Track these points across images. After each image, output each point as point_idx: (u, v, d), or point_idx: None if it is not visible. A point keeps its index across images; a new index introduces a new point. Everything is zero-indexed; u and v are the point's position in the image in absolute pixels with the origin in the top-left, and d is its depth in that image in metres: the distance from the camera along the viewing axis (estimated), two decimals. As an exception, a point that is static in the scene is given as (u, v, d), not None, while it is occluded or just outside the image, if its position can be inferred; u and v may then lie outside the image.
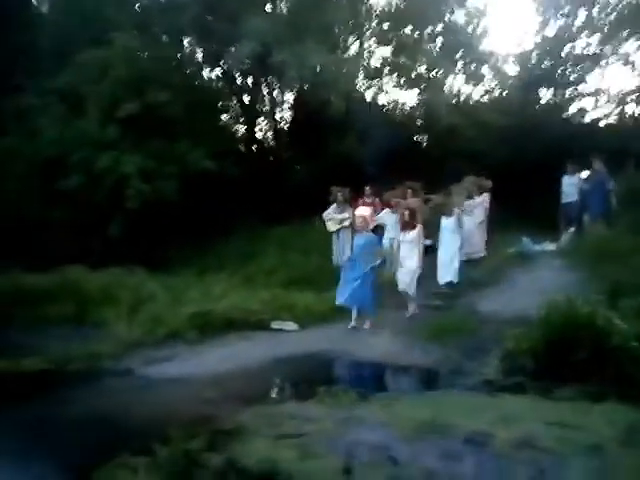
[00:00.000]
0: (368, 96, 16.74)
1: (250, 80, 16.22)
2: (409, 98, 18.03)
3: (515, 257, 10.58)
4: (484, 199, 10.03)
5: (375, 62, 16.45)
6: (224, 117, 16.66)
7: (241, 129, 17.31)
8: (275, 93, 16.57)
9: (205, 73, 16.12)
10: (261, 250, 10.74)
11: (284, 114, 17.12)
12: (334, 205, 10.33)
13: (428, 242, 10.69)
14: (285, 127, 17.25)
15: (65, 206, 11.28)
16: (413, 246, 7.96)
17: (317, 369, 6.09)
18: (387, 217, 10.02)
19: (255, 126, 16.94)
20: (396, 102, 17.52)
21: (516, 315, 7.26)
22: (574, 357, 5.22)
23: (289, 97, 16.61)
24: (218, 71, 15.95)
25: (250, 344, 6.87)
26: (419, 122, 17.14)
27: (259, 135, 17.29)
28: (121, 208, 11.13)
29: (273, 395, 5.23)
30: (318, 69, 11.64)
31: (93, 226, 11.40)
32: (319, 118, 14.82)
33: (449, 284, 8.72)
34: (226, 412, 4.63)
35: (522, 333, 6.09)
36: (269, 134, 17.44)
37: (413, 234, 7.99)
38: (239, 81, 16.36)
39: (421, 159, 15.10)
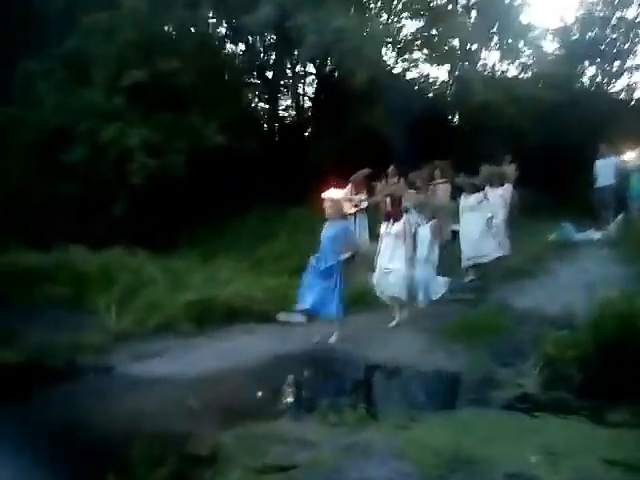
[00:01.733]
0: (397, 70, 15.78)
1: (273, 55, 15.51)
2: (441, 73, 16.98)
3: (555, 245, 9.52)
4: (504, 192, 8.64)
5: (405, 34, 15.52)
6: (244, 92, 15.84)
7: (262, 104, 16.55)
8: (298, 67, 15.80)
9: (228, 49, 15.52)
10: (273, 233, 9.92)
11: (307, 89, 16.32)
12: (350, 185, 9.47)
13: (455, 227, 9.78)
14: (307, 102, 16.44)
15: (69, 181, 10.62)
16: (398, 240, 6.56)
17: (321, 373, 5.25)
18: (411, 199, 9.11)
19: (277, 101, 16.13)
20: (427, 77, 16.47)
21: (558, 313, 6.35)
22: (633, 368, 4.25)
23: (312, 70, 15.71)
24: (241, 46, 15.36)
25: (251, 339, 6.06)
26: (451, 98, 16.04)
27: (280, 111, 16.51)
28: (126, 184, 10.42)
29: (265, 407, 4.38)
30: (340, 34, 10.61)
31: (97, 203, 10.73)
32: (343, 92, 13.88)
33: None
34: (206, 429, 3.85)
35: (566, 336, 5.20)
36: (291, 110, 16.65)
37: (399, 226, 6.61)
38: (262, 55, 15.65)
39: (452, 137, 14.08)
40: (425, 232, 7.10)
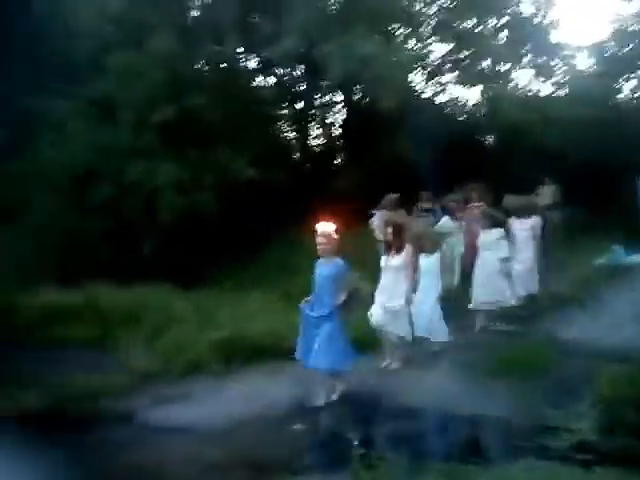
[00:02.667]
0: (426, 94, 15.54)
1: (302, 86, 15.62)
2: (472, 95, 16.62)
3: (605, 270, 8.90)
4: (534, 223, 7.89)
5: (433, 58, 15.33)
6: (274, 124, 15.92)
7: (291, 135, 16.57)
8: (326, 97, 15.83)
9: (259, 82, 15.70)
10: (302, 265, 9.62)
11: (336, 117, 16.27)
12: (381, 212, 9.17)
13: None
14: (336, 131, 16.37)
15: (98, 219, 10.66)
16: (400, 274, 5.95)
17: (353, 420, 4.83)
18: (447, 224, 8.75)
19: (306, 131, 16.13)
20: (457, 100, 16.14)
21: (612, 347, 5.82)
22: None
23: (340, 98, 15.66)
24: (271, 79, 15.52)
25: (279, 380, 5.69)
26: (483, 120, 15.65)
27: (309, 141, 16.48)
28: (154, 221, 10.37)
29: (292, 461, 4.01)
30: (366, 62, 10.45)
31: (127, 240, 10.71)
32: (371, 119, 13.73)
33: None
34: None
35: (623, 373, 4.69)
36: (320, 139, 16.61)
37: (400, 258, 5.97)
38: (291, 86, 15.77)
39: (486, 160, 13.63)
40: (430, 264, 6.40)
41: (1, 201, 11.41)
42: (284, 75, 15.61)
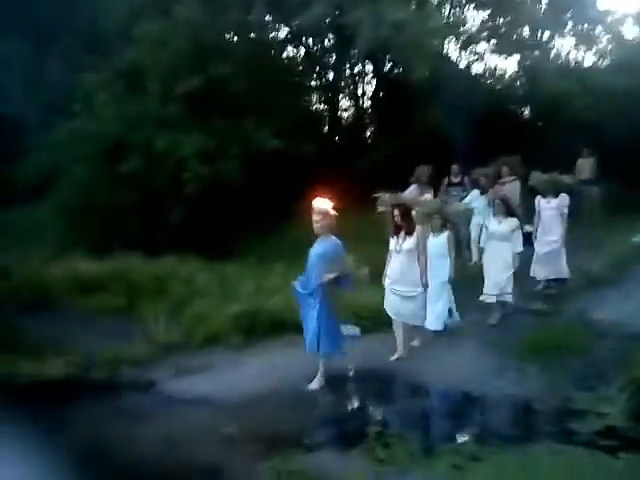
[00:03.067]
0: (461, 64, 14.98)
1: (333, 56, 15.28)
2: (509, 65, 15.97)
3: (641, 249, 8.49)
4: (560, 202, 7.31)
5: (469, 25, 14.72)
6: (302, 95, 15.67)
7: (319, 107, 16.30)
8: (357, 67, 15.46)
9: (289, 53, 15.46)
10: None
11: (366, 88, 15.89)
12: (414, 186, 8.89)
13: (529, 228, 8.99)
14: (367, 102, 16.01)
15: (128, 189, 10.73)
16: (412, 258, 5.53)
17: (372, 396, 4.74)
18: (476, 199, 8.45)
19: (336, 103, 15.83)
20: (494, 69, 15.53)
21: (648, 329, 5.52)
22: None
23: (370, 68, 15.26)
24: (302, 50, 15.25)
25: (297, 354, 5.61)
26: (521, 91, 15.02)
27: (338, 113, 16.18)
28: (181, 192, 10.38)
29: (307, 436, 3.94)
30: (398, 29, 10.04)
31: (155, 210, 10.77)
32: (403, 89, 13.33)
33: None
34: (241, 460, 3.49)
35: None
36: (350, 110, 16.28)
37: (411, 242, 5.55)
38: (321, 57, 15.46)
39: (523, 133, 13.12)
40: (438, 245, 5.98)
41: (35, 174, 11.63)
42: (313, 45, 15.30)
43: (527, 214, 7.82)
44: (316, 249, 5.02)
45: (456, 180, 9.33)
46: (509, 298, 6.50)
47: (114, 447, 3.83)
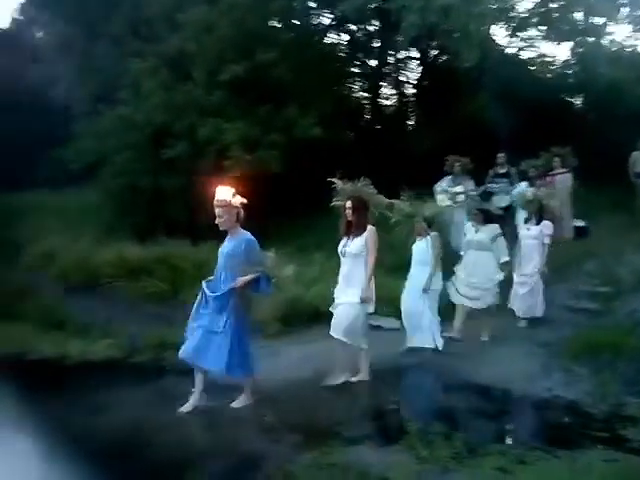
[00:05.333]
0: (510, 50, 14.47)
1: (376, 43, 15.04)
2: (561, 51, 15.33)
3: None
4: (541, 231, 6.48)
5: (520, 10, 14.17)
6: (345, 82, 15.51)
7: (362, 94, 16.09)
8: (401, 54, 15.17)
9: (332, 39, 15.27)
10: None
11: (410, 75, 15.61)
12: (449, 177, 8.67)
13: (578, 223, 8.67)
14: (410, 90, 15.75)
15: (171, 176, 10.88)
16: (358, 264, 4.71)
17: (412, 392, 4.65)
18: (524, 192, 8.15)
19: (378, 90, 15.60)
20: (544, 56, 14.93)
21: None
22: None
23: (415, 55, 14.97)
24: (344, 36, 15.07)
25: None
26: (573, 79, 14.41)
27: (381, 100, 15.95)
28: (223, 178, 10.42)
29: (345, 429, 3.89)
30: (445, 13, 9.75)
31: (198, 197, 10.88)
32: (449, 77, 12.99)
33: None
34: (277, 451, 3.47)
35: None
36: (392, 98, 16.04)
37: (359, 242, 4.73)
38: (364, 44, 15.24)
39: (574, 123, 12.59)
40: (419, 251, 5.49)
41: (84, 159, 11.92)
42: (357, 31, 15.09)
43: (580, 208, 7.47)
44: (224, 247, 4.36)
45: (502, 171, 9.03)
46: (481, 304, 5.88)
47: (156, 430, 3.87)
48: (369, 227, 4.78)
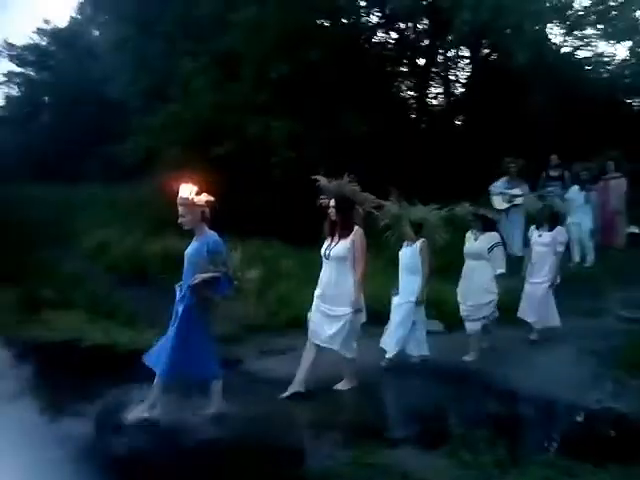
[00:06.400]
0: (565, 49, 14.03)
1: (425, 41, 14.88)
2: (619, 51, 14.74)
3: None
4: (554, 238, 6.09)
5: (576, 8, 13.70)
6: (392, 81, 15.41)
7: (409, 93, 15.95)
8: (451, 52, 14.95)
9: (380, 38, 15.20)
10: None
11: (459, 74, 15.37)
12: (504, 178, 8.49)
13: (633, 229, 8.36)
14: (459, 89, 15.51)
15: (218, 173, 11.06)
16: (343, 269, 4.42)
17: (458, 396, 4.58)
18: (574, 195, 7.96)
19: (426, 89, 15.42)
20: (601, 56, 14.39)
21: None
22: None
23: (465, 53, 14.72)
24: (393, 35, 14.98)
25: (376, 343, 5.55)
26: (631, 79, 13.84)
27: (429, 100, 15.77)
28: (269, 177, 10.56)
29: (387, 429, 3.87)
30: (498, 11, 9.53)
31: (244, 194, 11.05)
32: (500, 77, 12.70)
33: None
34: (316, 448, 3.50)
35: None
36: (440, 98, 15.82)
37: (343, 247, 4.43)
38: (413, 42, 15.10)
39: (631, 125, 12.10)
40: (407, 256, 5.18)
41: (136, 155, 12.29)
42: (406, 30, 14.96)
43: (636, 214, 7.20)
44: (189, 248, 4.19)
45: (555, 174, 8.80)
46: (484, 321, 5.48)
47: (201, 419, 3.97)
48: (356, 228, 4.45)
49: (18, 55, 24.99)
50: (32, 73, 25.34)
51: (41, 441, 3.70)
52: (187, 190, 4.11)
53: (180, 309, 4.05)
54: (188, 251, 4.17)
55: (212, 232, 4.13)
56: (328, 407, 4.26)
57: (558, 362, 5.18)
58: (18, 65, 25.21)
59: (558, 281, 5.96)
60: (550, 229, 6.05)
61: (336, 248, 4.46)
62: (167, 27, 11.86)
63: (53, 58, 24.18)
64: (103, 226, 11.16)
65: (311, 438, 3.75)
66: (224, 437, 3.73)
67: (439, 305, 6.33)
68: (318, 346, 4.44)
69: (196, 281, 3.93)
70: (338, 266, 4.43)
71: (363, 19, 14.63)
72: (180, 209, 4.09)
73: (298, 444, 3.68)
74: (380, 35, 15.23)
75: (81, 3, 23.01)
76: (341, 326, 4.36)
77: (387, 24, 14.77)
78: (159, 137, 11.85)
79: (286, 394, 4.35)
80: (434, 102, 15.78)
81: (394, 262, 6.98)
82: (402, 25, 14.73)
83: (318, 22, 12.86)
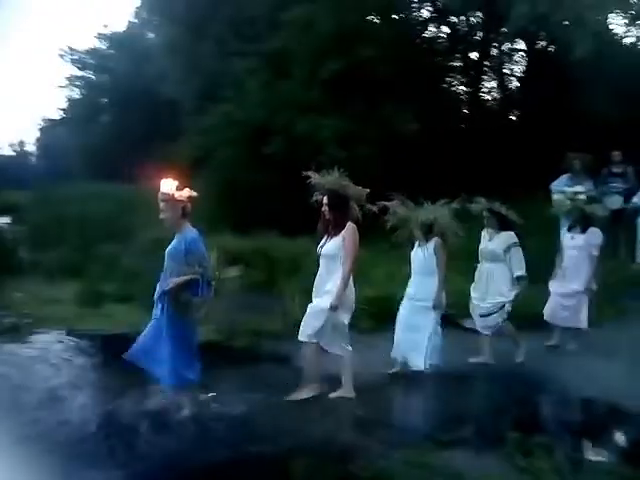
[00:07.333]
0: (628, 40, 13.39)
1: (478, 35, 14.56)
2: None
3: None
4: (588, 240, 5.71)
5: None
6: (444, 76, 15.15)
7: (462, 88, 15.65)
8: (505, 46, 14.56)
9: (431, 32, 15.02)
10: (464, 228, 9.13)
11: (514, 68, 14.95)
12: (567, 175, 8.15)
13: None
14: (514, 83, 15.10)
15: (269, 172, 11.22)
16: (333, 267, 4.30)
17: (512, 399, 4.47)
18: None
19: (479, 83, 15.09)
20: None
21: None
22: None
23: (521, 46, 14.30)
24: (444, 29, 14.77)
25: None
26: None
27: (482, 95, 15.41)
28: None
29: (440, 430, 3.82)
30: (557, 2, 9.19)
31: (293, 193, 11.14)
32: (558, 70, 12.26)
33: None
34: (369, 446, 3.50)
35: None
36: (494, 92, 15.45)
37: (335, 243, 4.32)
38: (466, 36, 14.81)
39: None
40: (420, 258, 4.90)
41: (189, 155, 12.63)
42: (459, 23, 14.68)
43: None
44: (170, 245, 4.06)
45: (617, 170, 8.40)
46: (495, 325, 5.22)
47: (253, 414, 4.04)
48: (348, 225, 4.29)
49: (80, 59, 26.17)
50: (92, 76, 26.48)
51: (103, 425, 3.86)
52: (168, 185, 3.95)
53: (159, 309, 3.96)
54: (167, 249, 4.05)
55: (192, 229, 4.01)
56: (376, 406, 4.25)
57: (617, 365, 4.95)
58: (79, 69, 26.42)
59: (594, 287, 5.64)
60: (583, 231, 5.69)
61: (327, 246, 4.39)
62: (218, 28, 12.11)
63: (111, 61, 25.17)
64: (159, 223, 11.52)
65: (361, 437, 3.74)
66: (273, 435, 3.78)
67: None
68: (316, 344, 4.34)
69: (170, 286, 3.85)
70: (328, 264, 4.36)
71: (414, 14, 14.50)
72: (161, 205, 3.97)
73: (348, 442, 3.67)
74: (431, 29, 15.06)
75: (138, 7, 23.85)
76: (323, 322, 4.26)
77: (439, 18, 14.55)
78: (211, 137, 12.12)
79: (334, 394, 4.31)
80: (488, 97, 15.48)
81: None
82: (454, 19, 14.48)
83: (368, 19, 12.83)
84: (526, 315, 5.68)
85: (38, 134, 43.54)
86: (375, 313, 6.36)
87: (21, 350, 5.74)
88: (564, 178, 8.21)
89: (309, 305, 4.44)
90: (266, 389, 4.46)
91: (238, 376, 5.00)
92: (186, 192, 3.98)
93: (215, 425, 3.87)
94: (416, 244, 5.02)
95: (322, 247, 4.42)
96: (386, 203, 5.01)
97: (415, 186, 10.61)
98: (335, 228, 4.33)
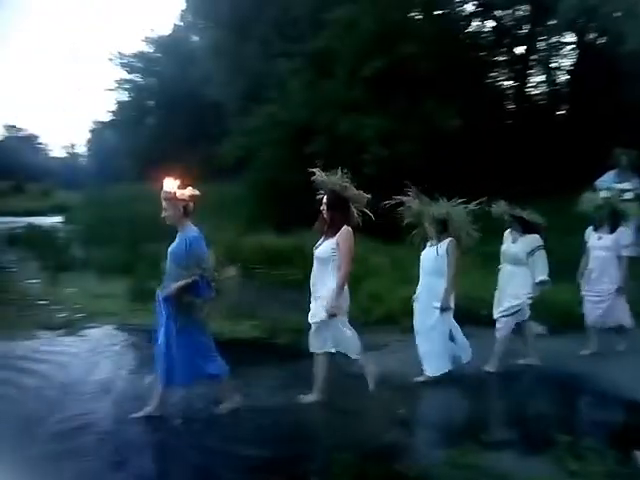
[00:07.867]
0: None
1: (525, 29, 14.21)
2: None
3: None
4: (616, 240, 5.41)
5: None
6: (489, 71, 14.85)
7: (507, 83, 15.30)
8: (553, 39, 14.14)
9: (475, 27, 14.77)
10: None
11: (562, 62, 14.53)
12: (614, 171, 7.83)
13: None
14: (562, 77, 14.66)
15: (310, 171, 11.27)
16: (326, 270, 4.18)
17: (560, 401, 4.34)
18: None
19: (525, 78, 14.72)
20: None
21: None
22: None
23: (570, 40, 13.86)
24: (489, 23, 14.46)
25: (478, 345, 5.38)
26: None
27: (529, 89, 15.02)
28: (360, 174, 10.58)
29: (487, 432, 3.74)
30: None
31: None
32: (608, 63, 11.81)
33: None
34: (415, 444, 3.47)
35: None
36: (541, 87, 15.04)
37: (328, 246, 4.18)
38: (511, 29, 14.48)
39: None
40: (430, 258, 4.69)
41: (234, 155, 12.82)
42: (504, 17, 14.37)
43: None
44: (171, 245, 3.99)
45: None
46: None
47: (295, 411, 4.08)
48: (343, 228, 4.14)
49: (128, 62, 27.01)
50: (139, 79, 27.28)
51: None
52: (170, 184, 3.92)
53: (164, 311, 3.92)
54: (170, 247, 4.01)
55: (193, 228, 3.98)
56: (420, 403, 4.22)
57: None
58: (128, 72, 27.26)
59: (624, 288, 5.34)
60: (611, 231, 5.38)
61: (320, 248, 4.27)
62: (262, 30, 12.25)
63: (158, 64, 25.86)
64: (203, 222, 11.77)
65: (404, 436, 3.71)
66: (316, 434, 3.79)
67: (538, 304, 6.01)
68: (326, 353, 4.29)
69: (170, 291, 3.85)
70: (320, 267, 4.24)
71: (457, 9, 14.27)
72: (163, 203, 3.94)
73: (392, 442, 3.65)
74: (475, 24, 14.79)
75: (183, 11, 24.39)
76: (327, 333, 4.22)
77: (483, 12, 14.28)
78: (255, 138, 12.27)
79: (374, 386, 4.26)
80: (534, 92, 15.08)
81: (490, 260, 6.77)
82: (500, 12, 14.18)
83: (411, 15, 12.72)
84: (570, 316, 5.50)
85: (89, 136, 45.21)
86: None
87: (75, 343, 5.98)
88: (611, 175, 7.88)
89: (309, 313, 4.40)
90: (309, 386, 4.47)
91: (280, 373, 5.08)
92: (188, 191, 3.97)
93: (257, 422, 3.92)
94: (427, 244, 4.88)
95: (316, 248, 4.33)
96: (402, 198, 4.90)
97: (458, 183, 10.52)
98: (330, 228, 4.23)
